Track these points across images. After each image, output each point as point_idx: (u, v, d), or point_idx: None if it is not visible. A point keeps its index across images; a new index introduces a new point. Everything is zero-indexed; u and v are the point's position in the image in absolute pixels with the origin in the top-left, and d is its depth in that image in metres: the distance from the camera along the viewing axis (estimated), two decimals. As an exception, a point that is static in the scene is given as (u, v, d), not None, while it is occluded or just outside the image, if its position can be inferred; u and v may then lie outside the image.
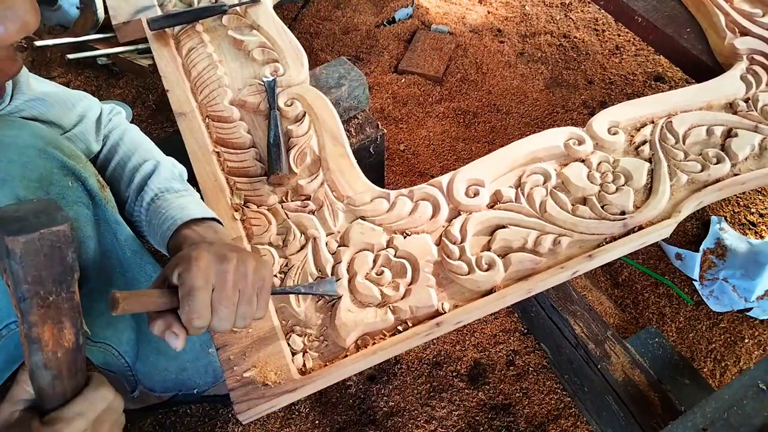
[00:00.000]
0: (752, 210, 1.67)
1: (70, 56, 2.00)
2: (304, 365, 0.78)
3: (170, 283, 0.65)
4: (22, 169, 0.72)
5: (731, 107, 1.11)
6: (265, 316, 0.78)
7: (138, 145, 0.92)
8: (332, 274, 0.86)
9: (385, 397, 1.34)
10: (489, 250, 0.88)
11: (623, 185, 0.96)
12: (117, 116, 0.97)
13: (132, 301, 0.60)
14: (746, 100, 1.11)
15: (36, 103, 0.83)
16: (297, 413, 1.33)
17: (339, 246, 0.89)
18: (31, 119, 0.81)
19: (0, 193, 0.69)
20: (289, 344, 0.80)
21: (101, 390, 0.59)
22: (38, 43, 2.04)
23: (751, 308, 1.45)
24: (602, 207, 0.92)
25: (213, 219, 0.82)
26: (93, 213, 0.80)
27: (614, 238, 0.89)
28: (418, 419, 1.31)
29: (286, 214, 0.93)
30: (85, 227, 0.80)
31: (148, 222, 0.84)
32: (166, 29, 1.23)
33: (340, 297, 0.83)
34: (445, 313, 0.81)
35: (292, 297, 0.83)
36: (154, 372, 1.05)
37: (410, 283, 0.85)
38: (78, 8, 2.05)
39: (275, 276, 0.86)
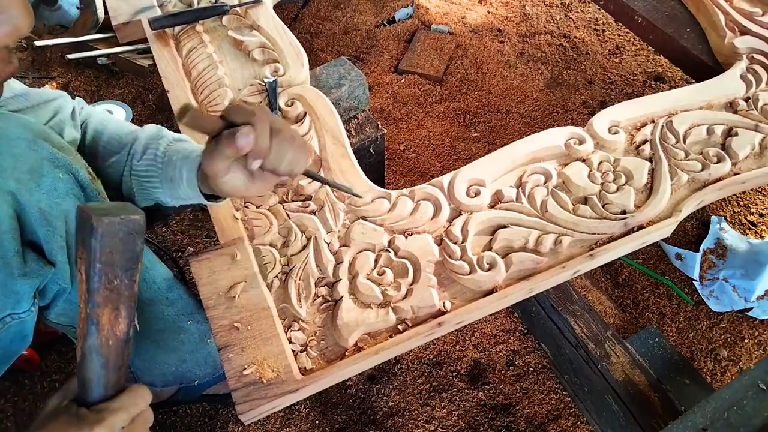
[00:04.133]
0: (752, 210, 1.67)
1: (70, 56, 2.00)
2: (305, 365, 0.78)
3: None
4: (13, 161, 0.72)
5: (731, 106, 1.11)
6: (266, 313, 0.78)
7: (125, 123, 0.94)
8: (333, 275, 0.86)
9: (385, 397, 1.34)
10: (490, 249, 0.88)
11: (624, 185, 0.96)
12: (86, 107, 0.97)
13: (197, 117, 0.63)
14: (746, 99, 1.11)
15: (20, 98, 0.84)
16: (297, 413, 1.33)
17: (340, 246, 0.89)
18: (14, 112, 0.81)
19: None
20: (290, 341, 0.80)
21: (142, 390, 0.63)
22: (38, 43, 2.03)
23: (751, 308, 1.45)
24: (603, 206, 0.92)
25: None
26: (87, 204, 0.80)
27: (615, 238, 0.89)
28: (418, 419, 1.31)
29: (287, 214, 0.93)
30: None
31: (163, 168, 0.84)
32: (167, 29, 1.23)
33: (361, 197, 0.88)
34: (448, 311, 0.81)
35: (293, 297, 0.83)
36: (153, 366, 1.05)
37: (412, 283, 0.85)
38: (78, 8, 2.05)
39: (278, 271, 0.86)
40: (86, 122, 0.93)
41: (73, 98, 0.96)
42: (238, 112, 0.65)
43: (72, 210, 0.78)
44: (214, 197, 0.80)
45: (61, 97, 0.92)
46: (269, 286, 0.85)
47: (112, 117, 0.97)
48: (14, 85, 0.86)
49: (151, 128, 0.90)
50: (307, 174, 0.77)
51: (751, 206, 1.68)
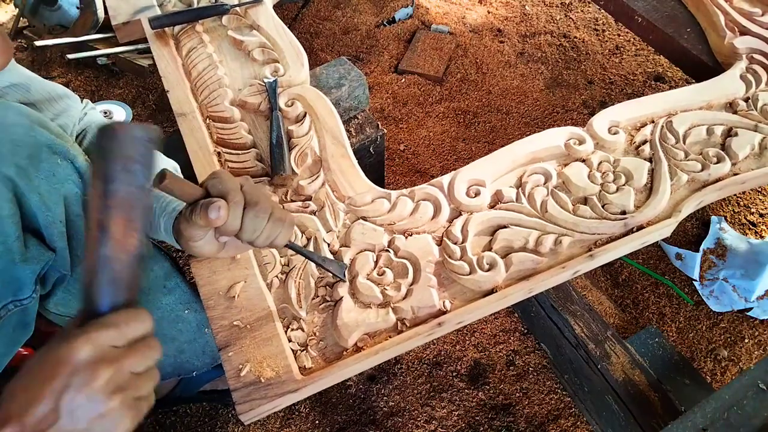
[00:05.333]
0: (752, 210, 1.67)
1: (70, 56, 2.00)
2: (305, 364, 0.78)
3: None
4: (11, 147, 0.72)
5: (731, 106, 1.11)
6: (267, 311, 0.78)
7: None
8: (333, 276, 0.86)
9: (385, 397, 1.34)
10: (490, 250, 0.88)
11: (624, 185, 0.96)
12: (91, 111, 0.97)
13: (175, 183, 0.64)
14: (746, 100, 1.11)
15: (18, 89, 0.83)
16: (297, 413, 1.33)
17: (340, 246, 0.89)
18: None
19: None
20: (289, 339, 0.80)
21: (141, 311, 0.58)
22: (38, 43, 2.04)
23: (751, 308, 1.45)
24: (603, 207, 0.92)
25: None
26: (82, 191, 0.81)
27: (615, 238, 0.89)
28: (418, 419, 1.31)
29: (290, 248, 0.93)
30: (75, 206, 0.80)
31: None
32: (166, 29, 1.23)
33: (344, 281, 0.84)
34: (448, 311, 0.81)
35: (293, 297, 0.83)
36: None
37: (412, 284, 0.85)
38: (78, 8, 2.05)
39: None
40: (85, 131, 0.93)
41: (81, 100, 0.96)
42: (214, 186, 0.66)
43: (71, 196, 0.79)
44: None
45: (68, 98, 0.92)
46: (269, 286, 0.85)
47: None
48: (18, 71, 0.85)
49: None
50: (293, 248, 0.78)
51: (751, 206, 1.68)
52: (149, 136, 0.57)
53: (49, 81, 0.91)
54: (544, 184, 0.97)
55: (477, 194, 0.94)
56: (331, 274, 0.84)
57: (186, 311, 1.05)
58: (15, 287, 0.76)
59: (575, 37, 2.25)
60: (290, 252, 0.88)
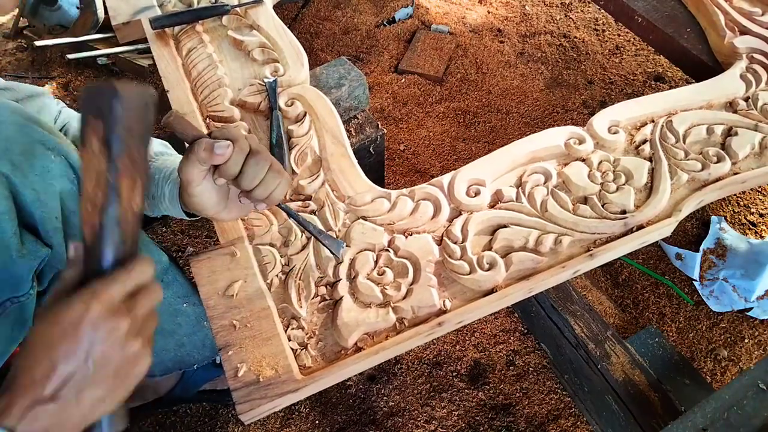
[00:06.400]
0: (752, 210, 1.67)
1: (70, 56, 2.00)
2: (305, 364, 0.78)
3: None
4: (4, 143, 0.72)
5: (731, 106, 1.11)
6: (269, 317, 0.78)
7: None
8: (333, 275, 0.86)
9: (385, 397, 1.34)
10: (490, 249, 0.88)
11: (624, 184, 0.96)
12: (64, 108, 0.97)
13: (181, 120, 0.66)
14: (746, 99, 1.11)
15: (6, 93, 0.84)
16: (297, 413, 1.33)
17: (340, 246, 0.89)
18: None
19: None
20: (289, 339, 0.80)
21: (142, 261, 0.59)
22: (38, 43, 2.04)
23: (751, 308, 1.45)
24: (603, 206, 0.92)
25: None
26: (77, 187, 0.81)
27: (615, 237, 0.89)
28: (418, 419, 1.31)
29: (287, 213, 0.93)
30: (70, 201, 0.80)
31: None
32: (166, 29, 1.23)
33: (339, 259, 0.85)
34: (448, 310, 0.81)
35: (293, 297, 0.83)
36: (152, 353, 1.06)
37: (412, 283, 0.85)
38: (78, 8, 2.05)
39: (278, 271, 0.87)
40: (66, 127, 0.93)
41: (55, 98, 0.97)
42: (221, 132, 0.68)
43: (66, 192, 0.79)
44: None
45: (44, 95, 0.92)
46: (269, 286, 0.85)
47: None
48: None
49: None
50: (289, 213, 0.79)
51: (751, 206, 1.68)
52: (147, 98, 0.58)
53: (23, 83, 0.92)
54: (544, 183, 0.96)
55: (477, 194, 0.94)
56: (328, 250, 0.84)
57: (185, 305, 1.05)
58: (12, 284, 0.76)
59: (575, 37, 2.25)
60: (290, 252, 0.88)
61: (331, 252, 0.83)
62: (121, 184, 0.56)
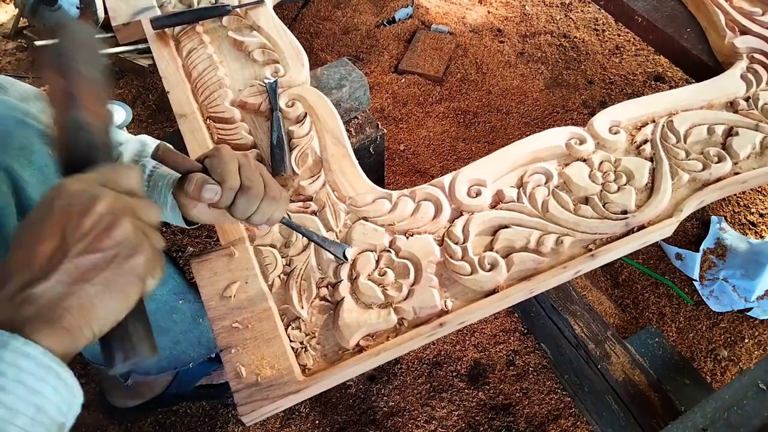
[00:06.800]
0: (752, 210, 1.67)
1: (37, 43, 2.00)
2: (307, 365, 0.78)
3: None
4: (4, 138, 0.72)
5: (732, 106, 1.11)
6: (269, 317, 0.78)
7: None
8: (334, 276, 0.86)
9: (385, 397, 1.34)
10: (491, 250, 0.88)
11: (625, 184, 0.96)
12: None
13: (170, 155, 0.66)
14: (747, 99, 1.11)
15: (6, 90, 0.84)
16: (297, 413, 1.33)
17: (341, 246, 0.89)
18: None
19: None
20: (291, 340, 0.80)
21: (130, 167, 0.56)
22: (38, 43, 2.03)
23: (751, 308, 1.45)
24: (604, 206, 0.92)
25: None
26: None
27: (616, 238, 0.89)
28: (418, 419, 1.31)
29: (288, 214, 0.93)
30: None
31: (148, 193, 0.84)
32: (167, 30, 1.23)
33: (345, 261, 0.85)
34: (449, 311, 0.81)
35: (294, 298, 0.83)
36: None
37: (413, 284, 0.84)
38: (78, 8, 2.05)
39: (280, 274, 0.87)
40: None
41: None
42: (213, 166, 0.68)
43: None
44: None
45: (39, 99, 0.92)
46: (270, 287, 0.85)
47: None
48: None
49: (134, 144, 0.89)
50: (291, 227, 0.81)
51: (751, 206, 1.68)
52: (91, 29, 0.63)
53: (20, 81, 0.91)
54: (545, 183, 0.96)
55: (478, 194, 0.94)
56: (332, 256, 0.85)
57: (180, 302, 1.05)
58: None
59: (575, 37, 2.25)
60: (291, 253, 0.88)
61: (337, 257, 0.84)
62: (80, 93, 0.57)
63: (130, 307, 0.51)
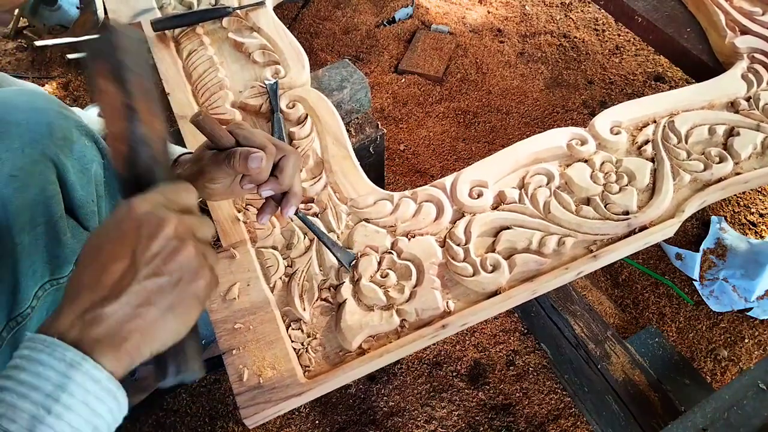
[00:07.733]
0: (752, 210, 1.67)
1: (70, 56, 2.00)
2: (308, 366, 0.78)
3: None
4: (48, 129, 0.73)
5: (733, 106, 1.11)
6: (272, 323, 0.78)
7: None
8: (337, 278, 0.86)
9: (385, 397, 1.34)
10: (494, 251, 0.88)
11: (626, 185, 0.96)
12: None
13: (210, 121, 0.66)
14: (747, 99, 1.11)
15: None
16: (297, 413, 1.33)
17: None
18: None
19: (32, 151, 0.71)
20: (293, 341, 0.80)
21: (188, 186, 0.58)
22: (38, 43, 2.03)
23: (751, 308, 1.45)
24: (606, 207, 0.93)
25: None
26: (105, 173, 0.83)
27: (618, 239, 0.89)
28: (418, 419, 1.31)
29: (303, 211, 0.93)
30: (99, 187, 0.82)
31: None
32: (167, 32, 1.23)
33: (347, 270, 0.85)
34: (451, 312, 0.81)
35: (296, 300, 0.83)
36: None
37: (415, 286, 0.85)
38: (78, 8, 2.05)
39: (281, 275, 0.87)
40: None
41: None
42: (246, 138, 0.69)
43: (98, 178, 0.81)
44: None
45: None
46: (272, 289, 0.85)
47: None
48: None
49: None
50: (305, 222, 0.83)
51: (751, 206, 1.68)
52: (139, 35, 0.61)
53: (20, 79, 0.92)
54: (547, 184, 0.96)
55: (480, 195, 0.94)
56: (336, 260, 0.86)
57: None
58: (54, 266, 0.76)
59: (575, 37, 2.25)
60: (293, 254, 0.88)
61: (341, 263, 0.85)
62: (138, 106, 0.57)
63: (189, 329, 0.53)
